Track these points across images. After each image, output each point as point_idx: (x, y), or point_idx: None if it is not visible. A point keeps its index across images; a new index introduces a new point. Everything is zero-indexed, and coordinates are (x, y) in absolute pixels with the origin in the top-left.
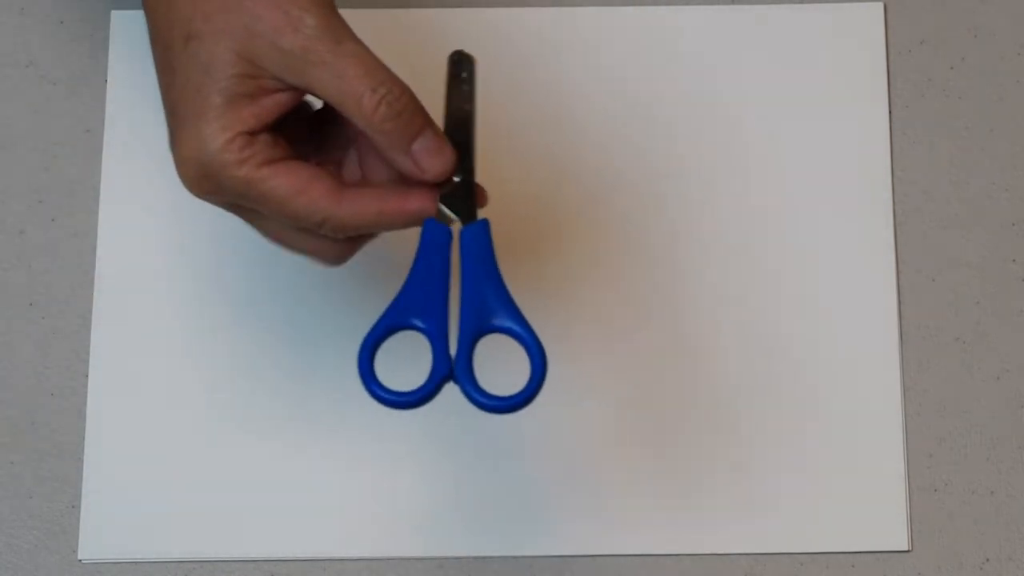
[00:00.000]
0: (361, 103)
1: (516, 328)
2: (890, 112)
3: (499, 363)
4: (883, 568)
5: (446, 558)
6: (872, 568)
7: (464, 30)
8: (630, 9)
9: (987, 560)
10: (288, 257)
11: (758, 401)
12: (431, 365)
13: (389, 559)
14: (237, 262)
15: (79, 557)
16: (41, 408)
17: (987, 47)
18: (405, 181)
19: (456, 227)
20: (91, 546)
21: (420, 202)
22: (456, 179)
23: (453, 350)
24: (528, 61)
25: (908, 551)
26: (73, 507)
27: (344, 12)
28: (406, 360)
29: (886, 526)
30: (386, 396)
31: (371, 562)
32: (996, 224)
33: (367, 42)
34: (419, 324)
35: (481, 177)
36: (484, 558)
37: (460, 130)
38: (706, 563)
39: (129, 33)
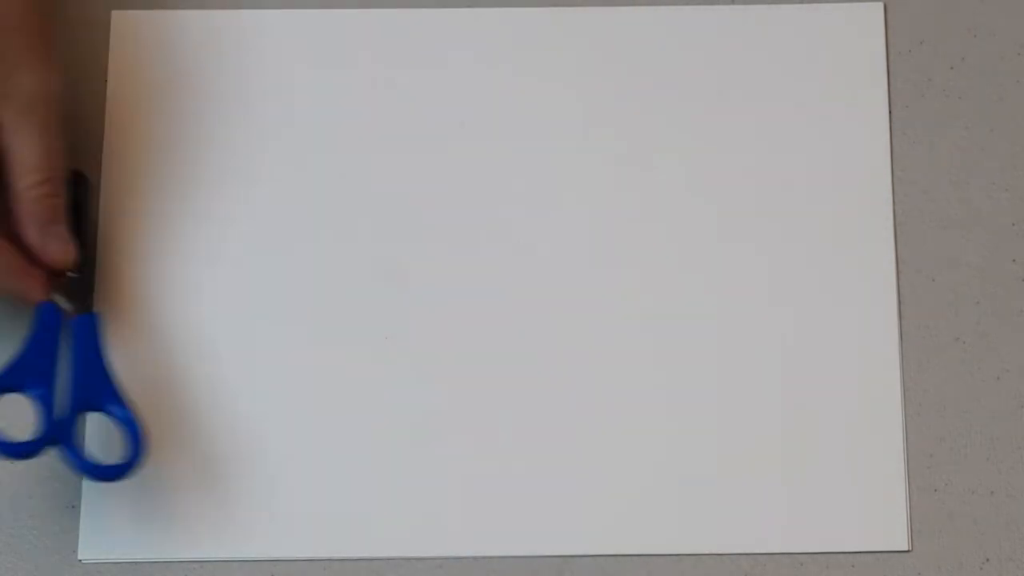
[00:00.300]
0: (31, 172)
1: (117, 411)
2: (890, 112)
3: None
4: (883, 568)
5: (446, 558)
6: (872, 568)
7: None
8: (629, 9)
9: (987, 560)
10: (294, 260)
11: (758, 401)
12: (39, 427)
13: (389, 559)
14: (236, 264)
15: (79, 557)
16: None
17: (987, 47)
18: (30, 260)
19: (69, 316)
20: (91, 546)
21: (36, 284)
22: (75, 274)
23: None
24: (528, 62)
25: (908, 551)
26: (73, 507)
27: None
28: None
29: (886, 526)
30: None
31: (371, 562)
32: (996, 224)
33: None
34: (29, 389)
35: None
36: (484, 558)
37: (83, 233)
38: (706, 563)
39: (129, 33)
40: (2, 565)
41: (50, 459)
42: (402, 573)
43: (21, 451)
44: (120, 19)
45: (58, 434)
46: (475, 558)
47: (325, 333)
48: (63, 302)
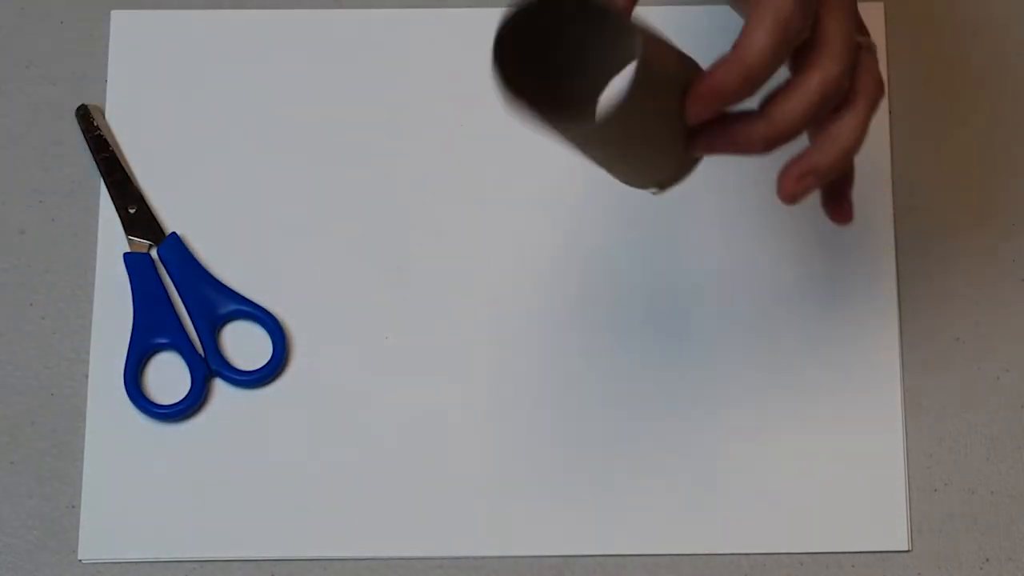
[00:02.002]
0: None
1: (245, 308)
2: (890, 112)
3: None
4: (883, 568)
5: (446, 558)
6: (872, 568)
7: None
8: None
9: (987, 560)
10: (293, 261)
11: (758, 401)
12: (188, 371)
13: (389, 559)
14: (233, 262)
15: (79, 557)
16: (41, 408)
17: (987, 47)
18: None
19: (152, 251)
20: (91, 546)
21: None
22: (132, 211)
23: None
24: None
25: (908, 551)
26: (73, 507)
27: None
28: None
29: (886, 526)
30: (158, 411)
31: (371, 562)
32: (996, 224)
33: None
34: (162, 341)
35: None
36: (484, 558)
37: (115, 170)
38: (706, 563)
39: (129, 33)
40: (2, 565)
41: (50, 459)
42: (402, 573)
43: (187, 405)
44: (120, 19)
45: (209, 364)
46: (475, 558)
47: (325, 334)
48: (138, 244)
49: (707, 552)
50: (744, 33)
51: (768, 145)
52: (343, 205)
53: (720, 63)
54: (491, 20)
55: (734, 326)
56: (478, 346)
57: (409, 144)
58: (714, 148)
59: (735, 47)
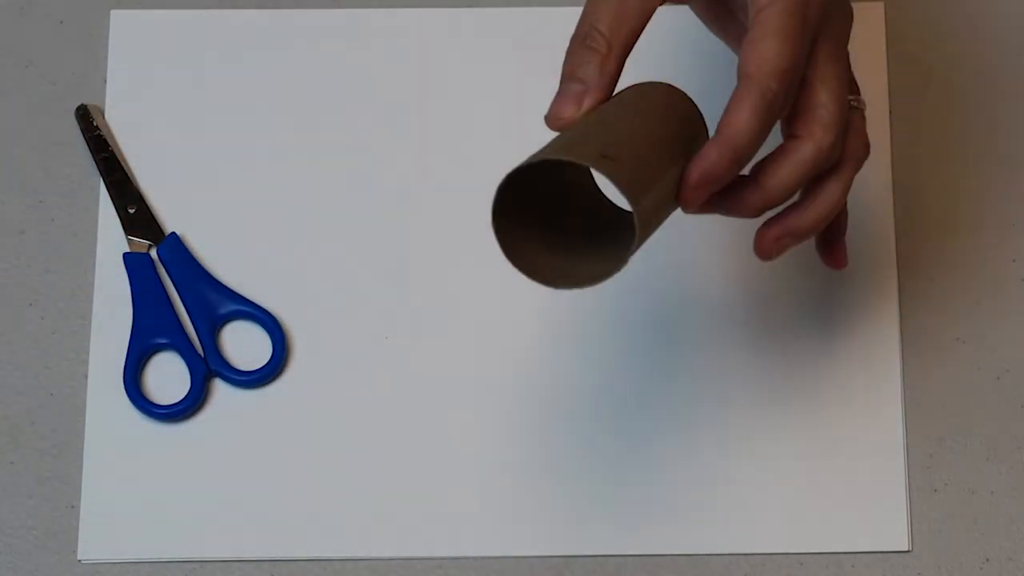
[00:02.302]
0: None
1: (245, 308)
2: (890, 112)
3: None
4: (883, 568)
5: (446, 558)
6: (872, 568)
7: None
8: None
9: (987, 560)
10: (293, 261)
11: (757, 401)
12: (188, 371)
13: (389, 559)
14: (233, 262)
15: (79, 557)
16: (41, 408)
17: (987, 47)
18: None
19: (152, 251)
20: (91, 546)
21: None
22: (131, 211)
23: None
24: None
25: (908, 551)
26: (73, 507)
27: None
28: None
29: (886, 526)
30: (158, 411)
31: (371, 562)
32: (996, 224)
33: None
34: (161, 341)
35: None
36: (484, 558)
37: (115, 170)
38: (706, 563)
39: (129, 33)
40: (2, 565)
41: (50, 459)
42: (402, 573)
43: (187, 405)
44: (120, 19)
45: (208, 364)
46: (475, 558)
47: (325, 334)
48: (138, 244)
49: (707, 552)
50: (729, 112)
51: (760, 211)
52: (343, 205)
53: (707, 148)
54: (491, 20)
55: (734, 327)
56: (478, 346)
57: (409, 144)
58: (706, 210)
59: (721, 128)
